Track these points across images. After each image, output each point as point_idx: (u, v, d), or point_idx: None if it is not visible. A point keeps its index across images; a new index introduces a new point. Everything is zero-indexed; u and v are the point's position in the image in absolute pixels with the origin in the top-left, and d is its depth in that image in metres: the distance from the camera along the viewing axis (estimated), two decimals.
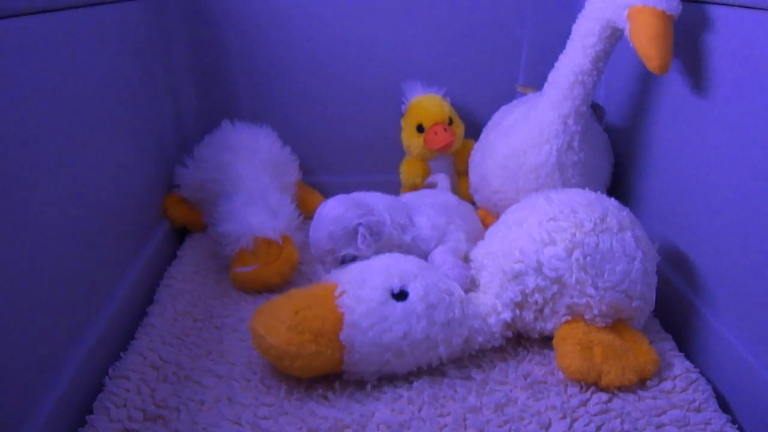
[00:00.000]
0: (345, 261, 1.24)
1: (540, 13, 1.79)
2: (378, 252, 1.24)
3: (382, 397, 1.07)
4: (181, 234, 1.71)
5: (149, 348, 1.17)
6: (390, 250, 1.25)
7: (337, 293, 1.09)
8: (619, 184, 1.58)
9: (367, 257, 1.23)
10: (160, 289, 1.41)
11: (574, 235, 1.12)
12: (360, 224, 1.23)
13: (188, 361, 1.17)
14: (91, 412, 1.03)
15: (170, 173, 1.70)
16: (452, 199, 1.54)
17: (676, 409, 1.03)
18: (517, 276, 1.13)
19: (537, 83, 1.58)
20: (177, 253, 1.59)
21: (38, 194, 0.96)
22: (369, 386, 1.09)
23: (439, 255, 1.26)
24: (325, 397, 1.07)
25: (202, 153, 1.67)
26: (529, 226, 1.17)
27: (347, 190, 1.72)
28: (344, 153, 1.92)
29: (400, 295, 1.09)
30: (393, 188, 1.81)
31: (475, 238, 1.39)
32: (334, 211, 1.25)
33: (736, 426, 1.02)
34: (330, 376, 1.11)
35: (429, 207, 1.38)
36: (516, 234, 1.18)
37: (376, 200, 1.31)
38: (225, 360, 1.18)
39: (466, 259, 1.27)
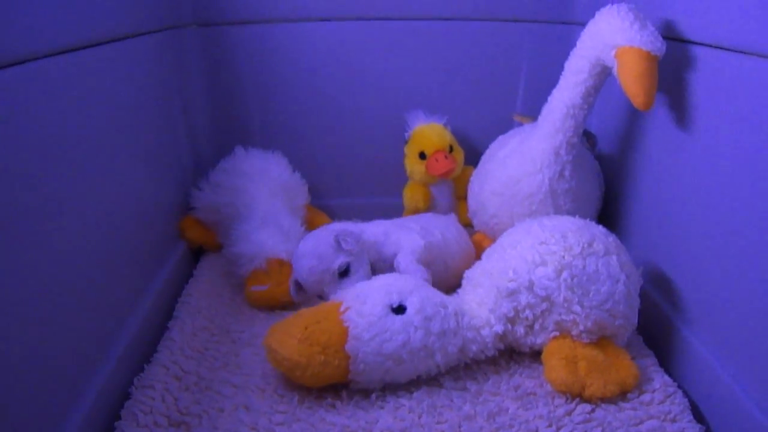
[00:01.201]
0: (342, 272, 1.33)
1: (536, 49, 1.86)
2: (360, 255, 1.36)
3: (385, 406, 1.13)
4: (196, 254, 1.76)
5: (171, 360, 1.24)
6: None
7: (342, 309, 1.16)
8: (609, 211, 1.62)
9: (355, 259, 1.34)
10: (179, 305, 1.45)
11: (563, 257, 1.19)
12: (336, 235, 1.33)
13: (207, 372, 1.24)
14: (119, 419, 1.09)
15: (186, 196, 1.75)
16: (429, 214, 1.67)
17: (653, 420, 1.09)
18: (511, 294, 1.19)
19: (533, 113, 1.64)
20: (193, 272, 1.64)
21: (67, 217, 1.02)
22: (373, 396, 1.15)
23: (403, 260, 1.37)
24: (334, 406, 1.14)
25: (217, 178, 1.73)
26: (523, 249, 1.23)
27: (353, 212, 1.84)
28: (351, 178, 1.97)
29: (399, 309, 1.16)
30: (396, 211, 1.88)
31: (443, 233, 1.52)
32: (311, 240, 1.36)
33: None
34: (337, 386, 1.17)
35: (381, 221, 1.52)
36: (510, 255, 1.24)
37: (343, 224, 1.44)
38: (241, 371, 1.24)
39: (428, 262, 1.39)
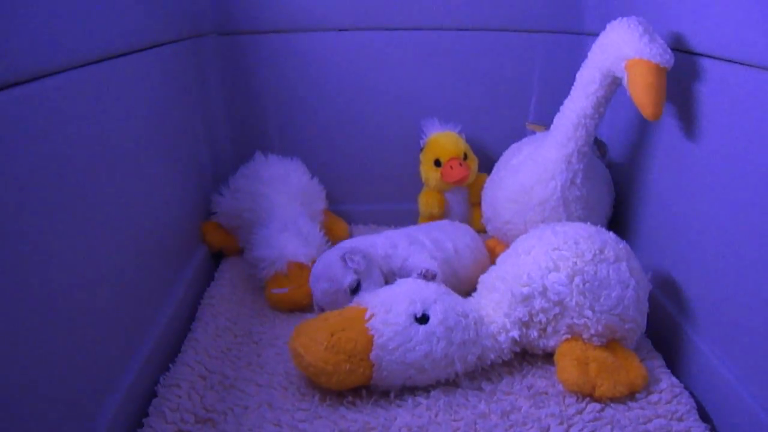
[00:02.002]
0: (353, 289, 1.37)
1: (548, 59, 1.89)
2: (369, 271, 1.39)
3: (403, 404, 1.17)
4: (216, 258, 1.79)
5: (196, 360, 1.27)
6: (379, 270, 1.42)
7: (367, 317, 1.19)
8: (619, 218, 1.65)
9: (365, 275, 1.38)
10: (202, 307, 1.49)
11: (576, 263, 1.22)
12: (343, 255, 1.38)
13: (231, 371, 1.27)
14: (147, 416, 1.12)
15: (207, 201, 1.79)
16: (445, 222, 1.68)
17: (660, 419, 1.12)
18: (525, 298, 1.22)
19: (545, 122, 1.66)
20: (214, 275, 1.67)
21: (94, 222, 1.05)
22: (392, 395, 1.19)
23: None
24: (354, 404, 1.18)
25: (238, 183, 1.76)
26: (537, 255, 1.26)
27: (370, 218, 1.87)
28: (367, 184, 2.00)
29: (422, 319, 1.19)
30: (412, 217, 1.92)
31: (456, 244, 1.55)
32: (321, 263, 1.42)
33: None
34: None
35: (393, 232, 1.55)
36: (524, 261, 1.27)
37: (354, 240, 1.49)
38: (264, 371, 1.28)
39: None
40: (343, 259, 1.38)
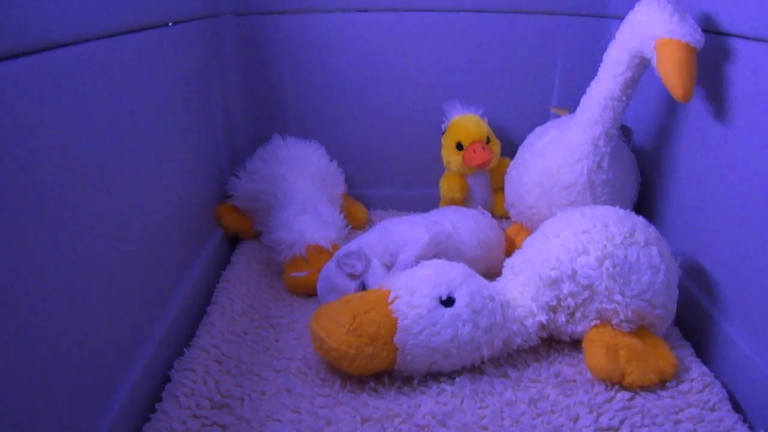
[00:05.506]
0: (362, 284, 1.35)
1: (571, 42, 1.86)
2: (370, 268, 1.38)
3: (427, 391, 1.14)
4: (232, 241, 1.77)
5: (211, 344, 1.25)
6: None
7: (390, 299, 1.16)
8: (645, 202, 1.62)
9: (370, 272, 1.36)
10: (218, 291, 1.47)
11: (606, 246, 1.19)
12: (337, 263, 1.37)
13: (248, 356, 1.25)
14: (160, 401, 1.10)
15: (223, 184, 1.77)
16: (448, 207, 1.68)
17: (692, 408, 1.09)
18: (554, 282, 1.20)
19: (568, 105, 1.65)
20: (230, 258, 1.66)
21: (109, 204, 1.03)
22: (415, 381, 1.16)
23: (403, 257, 1.38)
24: (376, 390, 1.15)
25: (255, 166, 1.74)
26: (565, 237, 1.24)
27: (389, 203, 1.85)
28: (387, 168, 1.98)
29: (448, 302, 1.16)
30: (433, 202, 1.89)
31: (455, 224, 1.51)
32: (322, 279, 1.42)
33: (747, 425, 1.08)
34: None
35: (387, 221, 1.53)
36: (553, 244, 1.24)
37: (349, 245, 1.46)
38: (282, 356, 1.25)
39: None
40: (339, 266, 1.37)
